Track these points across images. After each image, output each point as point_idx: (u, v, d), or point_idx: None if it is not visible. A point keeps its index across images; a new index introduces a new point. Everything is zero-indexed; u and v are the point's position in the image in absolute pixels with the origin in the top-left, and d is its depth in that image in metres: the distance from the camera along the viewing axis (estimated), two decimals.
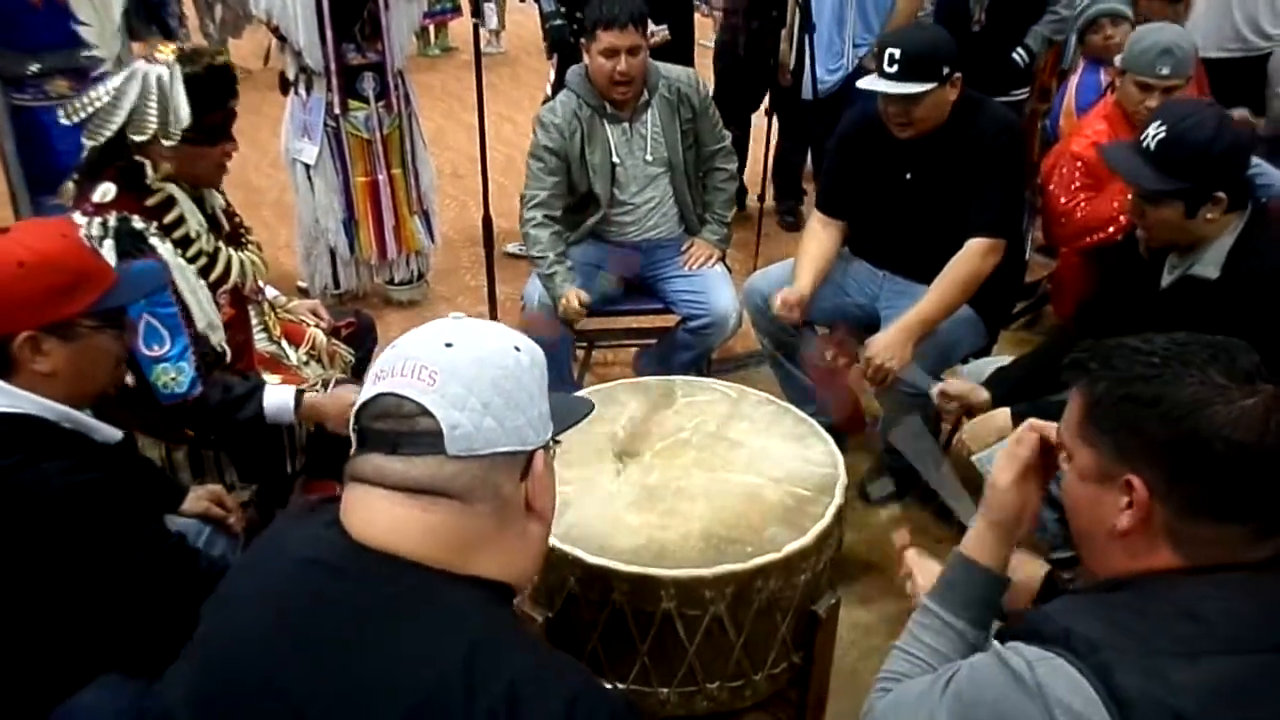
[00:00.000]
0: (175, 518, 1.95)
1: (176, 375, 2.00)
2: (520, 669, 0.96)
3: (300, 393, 2.12)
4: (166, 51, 2.00)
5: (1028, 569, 1.78)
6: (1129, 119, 2.98)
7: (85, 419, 1.59)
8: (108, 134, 1.95)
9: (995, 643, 1.08)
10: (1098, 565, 1.15)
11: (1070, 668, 0.98)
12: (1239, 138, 2.04)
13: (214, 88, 2.02)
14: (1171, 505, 1.05)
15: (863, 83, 2.64)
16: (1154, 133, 2.05)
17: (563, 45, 3.74)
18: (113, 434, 1.63)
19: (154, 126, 1.94)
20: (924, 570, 1.78)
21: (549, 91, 4.09)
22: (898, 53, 2.49)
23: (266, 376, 2.34)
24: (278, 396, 2.11)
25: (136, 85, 1.95)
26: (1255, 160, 3.47)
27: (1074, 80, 3.64)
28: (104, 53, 1.84)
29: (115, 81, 1.97)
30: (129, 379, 1.94)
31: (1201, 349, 1.07)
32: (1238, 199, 2.02)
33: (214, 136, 2.06)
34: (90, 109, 1.96)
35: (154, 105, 1.94)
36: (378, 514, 1.02)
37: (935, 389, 2.44)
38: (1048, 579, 1.43)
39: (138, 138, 1.95)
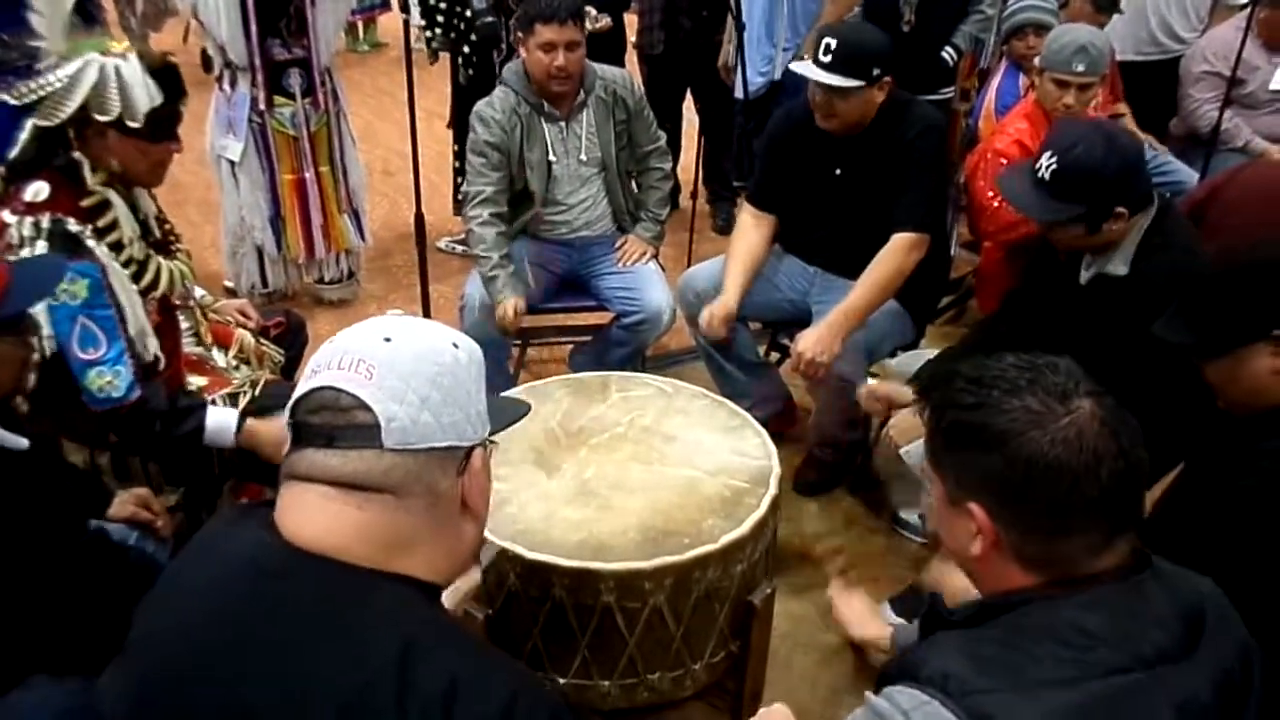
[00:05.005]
0: (103, 523, 1.92)
1: (113, 379, 1.94)
2: (456, 668, 0.96)
3: (244, 417, 2.09)
4: (120, 47, 1.98)
5: (958, 578, 1.83)
6: (1048, 117, 3.07)
7: None
8: (63, 116, 1.90)
9: (870, 695, 1.08)
10: (975, 584, 1.19)
11: (946, 711, 0.99)
12: (1128, 152, 2.07)
13: (167, 84, 2.00)
14: (1011, 527, 1.09)
15: (796, 65, 2.66)
16: (1046, 163, 2.06)
17: (491, 42, 3.72)
18: (18, 441, 1.59)
19: (118, 108, 1.91)
20: (852, 613, 1.81)
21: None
22: (834, 44, 2.52)
23: (193, 378, 2.30)
24: (220, 418, 2.08)
25: (93, 72, 1.91)
26: (1165, 157, 3.61)
27: (994, 83, 3.74)
28: (51, 44, 1.82)
29: (69, 68, 1.92)
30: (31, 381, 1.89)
31: (1022, 372, 1.10)
32: (1138, 206, 2.07)
33: (158, 133, 2.02)
34: (41, 93, 1.90)
35: (114, 90, 1.91)
36: (312, 514, 1.02)
37: (862, 390, 2.49)
38: (929, 607, 1.39)
39: (102, 117, 1.91)
